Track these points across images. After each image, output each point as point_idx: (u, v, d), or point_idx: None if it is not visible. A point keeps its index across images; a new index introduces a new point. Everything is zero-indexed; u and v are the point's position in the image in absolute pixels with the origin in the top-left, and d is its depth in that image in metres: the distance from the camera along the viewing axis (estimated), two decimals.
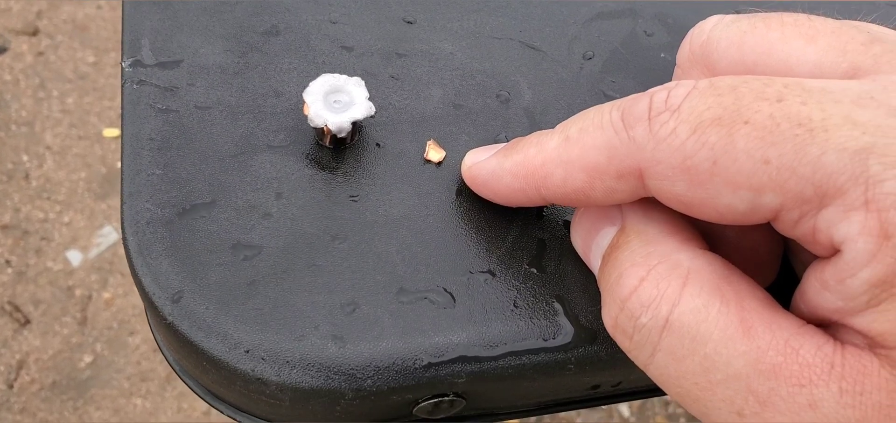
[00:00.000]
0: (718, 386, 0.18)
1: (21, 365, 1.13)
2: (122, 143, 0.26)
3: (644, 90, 0.20)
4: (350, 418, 0.24)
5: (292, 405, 0.23)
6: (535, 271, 0.25)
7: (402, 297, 0.24)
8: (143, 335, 1.17)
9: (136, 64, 0.28)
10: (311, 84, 0.26)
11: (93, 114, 1.39)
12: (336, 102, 0.26)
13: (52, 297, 1.19)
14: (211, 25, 0.29)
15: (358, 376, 0.22)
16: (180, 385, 1.12)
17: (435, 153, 0.27)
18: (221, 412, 0.25)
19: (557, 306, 0.24)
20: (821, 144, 0.17)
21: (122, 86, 0.27)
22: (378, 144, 0.27)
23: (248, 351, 0.22)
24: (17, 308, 1.18)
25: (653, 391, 0.28)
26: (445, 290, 0.24)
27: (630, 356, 0.21)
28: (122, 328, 1.17)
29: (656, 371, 0.20)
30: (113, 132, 1.37)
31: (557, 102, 0.28)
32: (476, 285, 0.24)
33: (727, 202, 0.19)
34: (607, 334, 0.22)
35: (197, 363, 0.23)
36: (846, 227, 0.17)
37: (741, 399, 0.18)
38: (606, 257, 0.21)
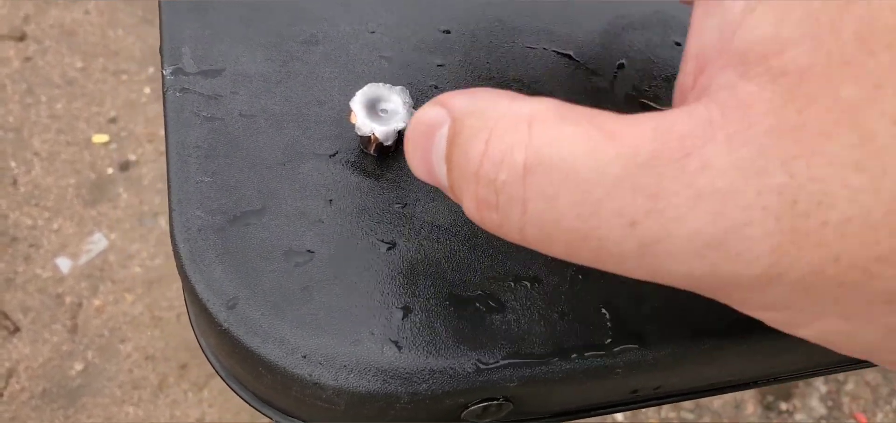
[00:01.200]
0: (603, 203, 0.17)
1: (11, 374, 1.12)
2: (166, 151, 0.26)
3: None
4: (401, 420, 0.24)
5: (347, 409, 0.23)
6: (581, 277, 0.25)
7: (452, 303, 0.24)
8: (134, 343, 1.16)
9: (178, 72, 0.28)
10: (357, 94, 0.26)
11: (81, 119, 1.38)
12: (382, 111, 0.26)
13: (41, 304, 1.18)
14: (250, 34, 0.29)
15: (414, 380, 0.23)
16: (173, 393, 1.12)
17: None
18: (270, 419, 0.26)
19: (604, 311, 0.25)
20: None
21: (165, 93, 0.27)
22: None
23: (305, 356, 0.23)
24: (6, 316, 1.17)
25: (689, 393, 0.28)
26: (494, 296, 0.24)
27: (503, 232, 0.19)
28: (114, 336, 1.16)
29: (535, 229, 0.18)
30: (102, 138, 1.36)
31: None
32: (522, 291, 0.25)
33: None
34: (654, 338, 0.23)
35: (252, 370, 0.24)
36: None
37: (630, 203, 0.17)
38: (449, 154, 0.19)
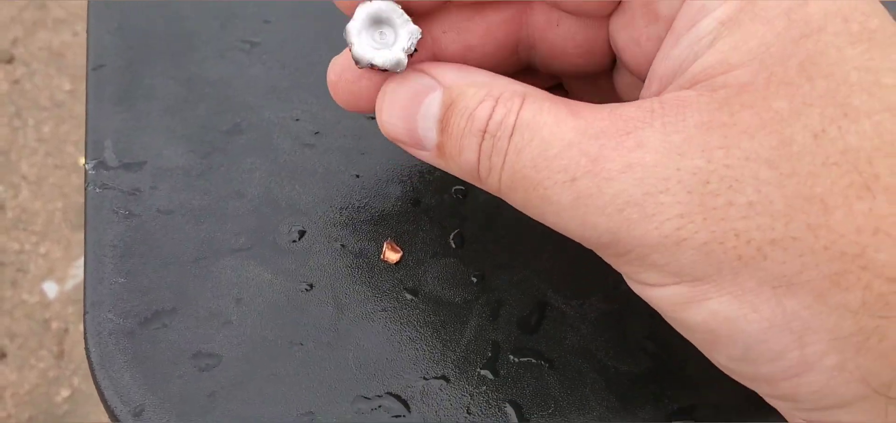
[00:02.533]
0: (554, 160, 0.20)
1: None
2: (84, 249, 0.27)
3: None
4: None
5: None
6: (490, 375, 0.25)
7: (358, 404, 0.25)
8: None
9: (100, 166, 0.28)
10: (354, 18, 0.23)
11: (69, 143, 1.39)
12: (381, 34, 0.23)
13: (28, 330, 1.19)
14: (174, 125, 0.29)
15: None
16: None
17: (392, 253, 0.27)
18: None
19: (510, 410, 0.25)
20: None
21: (86, 190, 0.28)
22: (342, 245, 0.28)
23: None
24: None
25: None
26: (400, 397, 0.25)
27: (487, 179, 0.22)
28: None
29: (506, 176, 0.21)
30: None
31: None
32: (431, 391, 0.25)
33: None
34: None
35: None
36: None
37: (574, 163, 0.20)
38: (447, 117, 0.22)
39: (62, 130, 1.41)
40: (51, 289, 1.23)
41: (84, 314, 0.25)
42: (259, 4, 0.33)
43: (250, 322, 0.26)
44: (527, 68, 0.26)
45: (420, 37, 0.23)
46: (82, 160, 1.34)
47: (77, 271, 1.25)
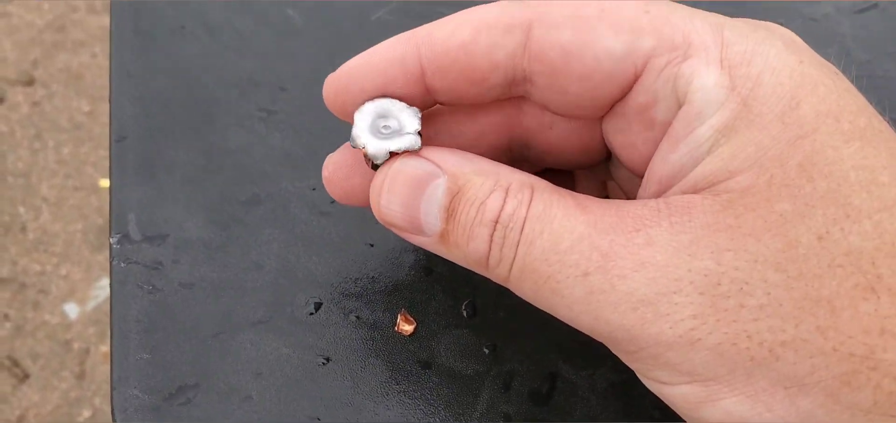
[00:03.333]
0: (566, 254, 0.21)
1: (20, 421, 1.14)
2: (110, 324, 0.28)
3: None
4: None
5: None
6: None
7: None
8: None
9: (124, 240, 0.29)
10: (366, 104, 0.24)
11: (88, 164, 1.41)
12: (385, 126, 0.24)
13: (50, 351, 1.21)
14: (194, 196, 0.30)
15: None
16: None
17: (406, 325, 0.28)
18: None
19: None
20: (689, 10, 0.22)
21: (111, 264, 0.29)
22: (357, 317, 0.28)
23: None
24: (15, 363, 1.19)
25: None
26: None
27: (496, 270, 0.22)
28: None
29: (517, 269, 0.22)
30: (108, 183, 1.39)
31: None
32: None
33: (607, 45, 0.22)
34: None
35: None
36: (705, 77, 0.21)
37: (585, 259, 0.21)
38: (454, 205, 0.22)
39: (81, 151, 1.43)
40: (72, 310, 1.25)
41: (111, 390, 0.26)
42: (276, 72, 0.34)
43: (270, 397, 0.26)
44: (521, 158, 0.27)
45: (421, 114, 0.24)
46: (102, 182, 1.36)
47: (97, 292, 1.27)
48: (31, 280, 1.27)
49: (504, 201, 0.22)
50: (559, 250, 0.21)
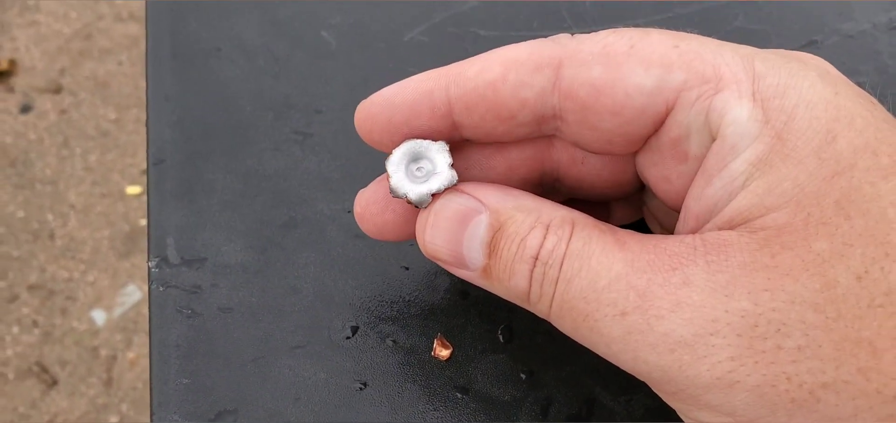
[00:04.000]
0: (603, 292, 0.21)
1: None
2: (150, 349, 0.28)
3: None
4: None
5: None
6: None
7: None
8: None
9: (162, 263, 0.30)
10: (394, 151, 0.25)
11: (115, 171, 1.43)
12: (418, 170, 0.25)
13: (77, 357, 1.22)
14: (232, 220, 0.31)
15: None
16: None
17: (442, 349, 0.28)
18: None
19: None
20: (719, 43, 0.22)
21: (149, 288, 0.29)
22: (394, 341, 0.28)
23: None
24: (44, 369, 1.21)
25: None
26: None
27: (537, 304, 0.22)
28: (147, 388, 1.20)
29: (556, 306, 0.22)
30: (135, 190, 1.40)
31: None
32: None
33: (638, 81, 0.22)
34: None
35: None
36: (737, 110, 0.21)
37: (623, 298, 0.20)
38: (496, 240, 0.23)
39: (108, 158, 1.44)
40: (99, 317, 1.26)
41: (151, 415, 0.27)
42: (311, 94, 0.34)
43: (307, 422, 0.27)
44: (552, 190, 0.27)
45: (449, 146, 0.24)
46: (129, 189, 1.37)
47: (124, 299, 1.28)
48: (58, 287, 1.29)
49: (544, 238, 0.22)
50: (597, 288, 0.21)
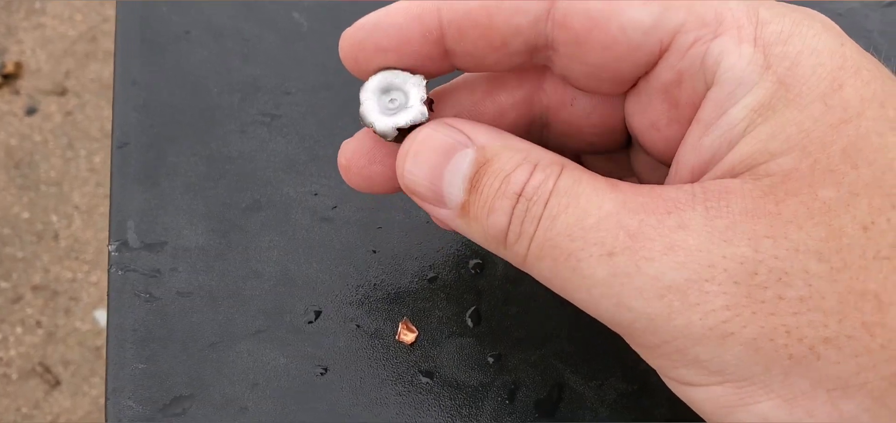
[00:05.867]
0: (591, 231, 0.19)
1: None
2: (107, 333, 0.27)
3: None
4: None
5: None
6: None
7: None
8: None
9: (122, 247, 0.29)
10: (371, 79, 0.23)
11: None
12: (391, 101, 0.23)
13: (81, 357, 1.22)
14: (195, 204, 0.30)
15: None
16: None
17: (407, 333, 0.27)
18: None
19: None
20: None
21: (108, 272, 0.28)
22: (358, 325, 0.28)
23: None
24: (47, 369, 1.21)
25: None
26: None
27: (513, 248, 0.21)
28: None
29: (535, 246, 0.20)
30: None
31: None
32: None
33: (634, 16, 0.20)
34: None
35: None
36: (737, 56, 0.20)
37: (612, 237, 0.19)
38: (479, 176, 0.21)
39: None
40: (102, 317, 1.26)
41: (106, 400, 0.26)
42: (280, 76, 0.33)
43: (266, 409, 0.26)
44: (540, 141, 0.26)
45: (426, 82, 0.23)
46: None
47: None
48: (62, 287, 1.29)
49: (530, 175, 0.20)
50: (584, 227, 0.19)
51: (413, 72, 0.23)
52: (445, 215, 0.22)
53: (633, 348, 0.21)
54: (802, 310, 0.18)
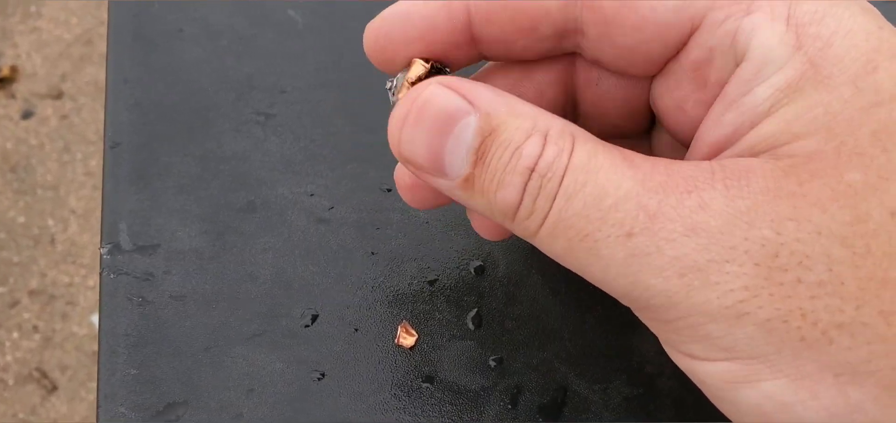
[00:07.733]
0: (609, 211, 0.19)
1: None
2: (98, 338, 0.27)
3: None
4: None
5: None
6: None
7: None
8: None
9: (115, 250, 0.28)
10: (398, 75, 0.23)
11: None
12: None
13: (77, 362, 1.21)
14: (188, 205, 0.29)
15: None
16: None
17: (407, 337, 0.27)
18: None
19: None
20: None
21: (100, 275, 0.28)
22: (356, 329, 0.27)
23: None
24: (44, 374, 1.20)
25: None
26: None
27: (525, 223, 0.20)
28: None
29: (549, 224, 0.20)
30: None
31: (531, 273, 0.28)
32: None
33: None
34: None
35: None
36: (768, 34, 0.19)
37: (631, 218, 0.19)
38: (485, 146, 0.20)
39: None
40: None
41: (97, 407, 0.25)
42: (276, 74, 0.33)
43: (261, 415, 0.25)
44: (566, 115, 0.25)
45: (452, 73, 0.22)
46: None
47: None
48: (59, 292, 1.28)
49: (543, 147, 0.19)
50: (602, 207, 0.19)
51: (439, 62, 0.22)
52: (445, 187, 0.21)
53: (640, 318, 0.21)
54: (820, 294, 0.18)
